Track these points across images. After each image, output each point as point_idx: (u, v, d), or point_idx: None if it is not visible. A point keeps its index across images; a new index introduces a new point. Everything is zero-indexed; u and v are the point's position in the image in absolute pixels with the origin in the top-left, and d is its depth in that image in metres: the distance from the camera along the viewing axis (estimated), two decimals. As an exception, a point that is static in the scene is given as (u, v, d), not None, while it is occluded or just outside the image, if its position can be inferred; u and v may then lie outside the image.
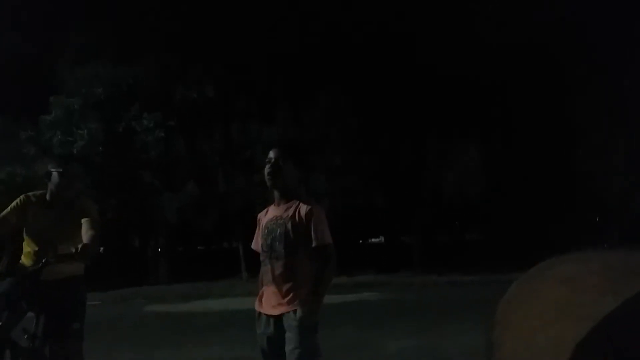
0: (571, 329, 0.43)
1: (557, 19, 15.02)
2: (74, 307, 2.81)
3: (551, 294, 0.49)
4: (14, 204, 2.88)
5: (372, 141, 15.77)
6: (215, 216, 16.72)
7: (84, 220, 2.78)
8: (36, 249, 2.85)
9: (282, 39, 15.68)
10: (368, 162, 15.66)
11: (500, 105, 15.69)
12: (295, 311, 2.17)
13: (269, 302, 2.27)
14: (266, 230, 2.33)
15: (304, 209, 2.26)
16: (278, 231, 2.27)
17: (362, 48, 15.52)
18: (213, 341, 6.19)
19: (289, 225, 2.25)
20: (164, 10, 16.18)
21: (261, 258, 2.34)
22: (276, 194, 2.38)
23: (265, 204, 2.56)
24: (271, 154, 2.37)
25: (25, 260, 2.90)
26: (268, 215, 2.38)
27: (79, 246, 2.53)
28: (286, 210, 2.31)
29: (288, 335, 2.17)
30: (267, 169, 2.36)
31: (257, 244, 2.41)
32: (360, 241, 30.65)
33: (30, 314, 2.67)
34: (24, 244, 2.94)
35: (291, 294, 2.21)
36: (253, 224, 2.51)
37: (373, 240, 34.09)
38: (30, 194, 2.94)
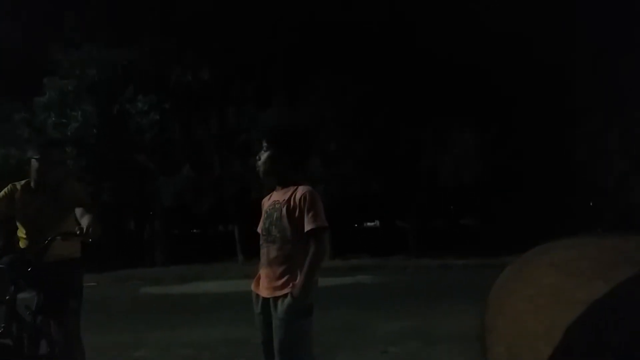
0: (562, 313, 0.44)
1: (554, 5, 14.93)
2: (72, 287, 2.89)
3: (543, 278, 0.50)
4: (2, 193, 2.94)
5: (368, 125, 15.73)
6: (210, 200, 16.73)
7: (77, 209, 2.82)
8: (28, 234, 2.93)
9: (279, 23, 15.49)
10: (364, 146, 15.64)
11: (497, 90, 15.64)
12: (285, 296, 2.19)
13: (264, 284, 2.31)
14: (265, 215, 2.37)
15: (299, 193, 2.28)
16: (274, 215, 2.30)
17: (359, 33, 15.35)
18: (209, 322, 6.26)
19: (284, 210, 2.27)
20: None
21: (260, 242, 2.38)
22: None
23: (260, 188, 2.58)
24: (263, 148, 2.41)
25: (21, 244, 2.98)
26: (269, 200, 2.42)
27: (84, 226, 2.61)
28: (284, 195, 2.33)
29: (275, 322, 2.21)
30: (257, 162, 2.43)
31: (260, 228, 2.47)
32: (356, 225, 30.81)
33: (32, 292, 2.75)
34: (18, 231, 3.01)
35: (284, 278, 2.24)
36: (248, 207, 2.53)
37: (368, 224, 34.28)
38: (16, 182, 2.98)
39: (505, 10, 14.41)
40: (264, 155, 2.38)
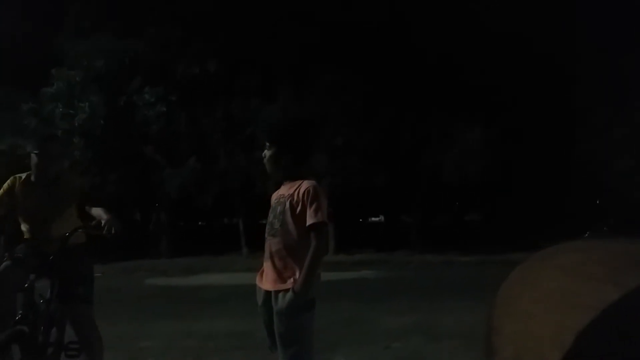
0: (571, 317, 0.43)
1: (558, 1, 14.78)
2: (81, 274, 2.94)
3: (552, 281, 0.49)
4: (5, 185, 2.98)
5: (373, 120, 15.68)
6: (215, 192, 16.78)
7: (87, 208, 2.90)
8: (30, 227, 2.97)
9: (285, 16, 15.42)
10: (369, 141, 15.60)
11: (502, 86, 15.54)
12: (286, 291, 2.20)
13: (267, 277, 2.32)
14: (271, 208, 2.39)
15: (303, 187, 2.29)
16: (278, 209, 2.32)
17: (365, 28, 15.27)
18: (213, 314, 6.30)
19: (288, 204, 2.28)
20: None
21: (265, 235, 2.39)
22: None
23: (265, 182, 2.60)
24: (267, 146, 2.42)
25: (26, 236, 3.02)
26: (277, 194, 2.44)
27: (103, 220, 2.70)
28: (289, 189, 2.34)
29: (275, 316, 2.22)
30: (265, 160, 2.44)
31: None
32: (360, 220, 30.80)
33: (45, 281, 2.80)
34: (21, 224, 3.05)
35: (285, 271, 2.25)
36: (253, 200, 2.55)
37: (373, 219, 34.27)
38: (18, 175, 3.02)
39: (511, 6, 14.28)
40: (267, 154, 2.41)
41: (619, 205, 16.97)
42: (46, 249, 2.82)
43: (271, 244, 2.30)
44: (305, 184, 2.29)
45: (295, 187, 2.32)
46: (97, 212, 2.84)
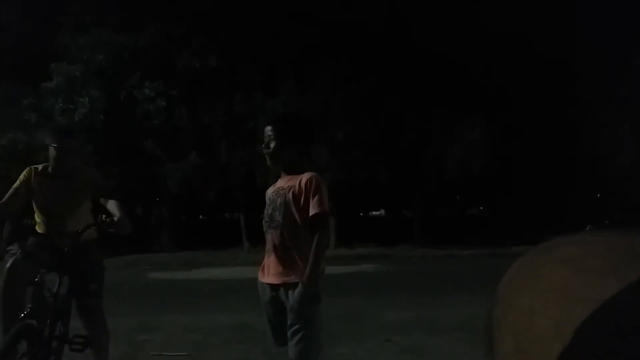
0: (573, 310, 0.43)
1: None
2: (92, 269, 2.97)
3: (553, 274, 0.49)
4: (21, 176, 2.98)
5: (376, 114, 15.66)
6: (217, 187, 16.79)
7: (105, 201, 2.93)
8: (44, 219, 2.99)
9: (287, 12, 15.35)
10: (371, 135, 15.59)
11: (505, 81, 15.49)
12: (294, 283, 2.20)
13: (270, 271, 2.30)
14: (269, 201, 2.36)
15: (305, 178, 2.27)
16: (278, 201, 2.29)
17: (368, 23, 15.21)
18: (215, 308, 6.32)
19: (290, 195, 2.26)
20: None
21: (264, 229, 2.37)
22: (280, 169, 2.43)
23: (267, 176, 2.59)
24: (267, 132, 2.38)
25: (38, 228, 3.03)
26: (273, 187, 2.42)
27: (116, 218, 2.74)
28: (288, 181, 2.33)
29: (288, 308, 2.21)
30: (264, 149, 2.40)
31: None
32: (361, 214, 30.85)
33: (53, 275, 2.82)
34: (35, 215, 3.05)
35: (290, 263, 2.24)
36: (254, 195, 2.54)
37: (374, 213, 34.30)
38: (34, 166, 3.03)
39: (512, 4, 14.22)
40: (271, 143, 2.36)
41: (619, 200, 16.96)
42: (58, 243, 2.83)
43: (273, 236, 2.28)
44: (306, 175, 2.28)
45: (295, 179, 2.30)
46: (112, 207, 2.86)
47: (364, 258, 13.25)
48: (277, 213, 2.28)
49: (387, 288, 8.13)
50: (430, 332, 4.60)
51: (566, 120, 16.09)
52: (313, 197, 2.22)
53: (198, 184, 16.35)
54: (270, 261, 2.31)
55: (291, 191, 2.27)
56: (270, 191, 2.42)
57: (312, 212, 2.21)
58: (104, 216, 2.82)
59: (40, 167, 3.00)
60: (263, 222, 2.39)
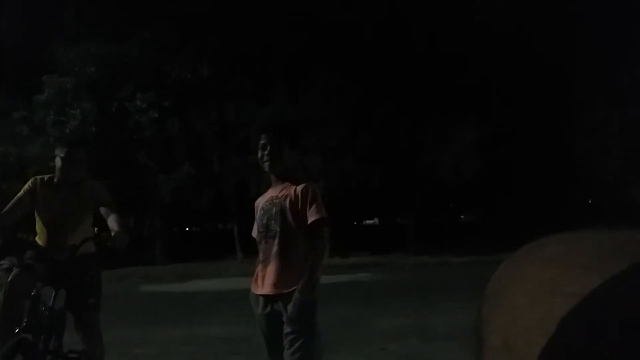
0: (557, 305, 0.44)
1: (554, 1, 14.93)
2: (90, 283, 2.98)
3: (538, 272, 0.50)
4: (26, 186, 2.98)
5: (369, 121, 15.73)
6: (210, 197, 16.73)
7: (102, 209, 2.92)
8: (47, 230, 2.98)
9: (279, 17, 15.45)
10: (364, 143, 15.64)
11: (497, 86, 15.65)
12: (291, 292, 2.17)
13: (265, 281, 2.27)
14: (262, 211, 2.33)
15: (299, 187, 2.27)
16: (274, 210, 2.27)
17: (358, 27, 15.35)
18: (209, 320, 6.27)
19: (286, 204, 2.25)
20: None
21: (257, 239, 2.34)
22: (272, 177, 2.39)
23: (259, 185, 2.59)
24: (264, 138, 2.36)
25: (39, 240, 3.02)
26: (264, 197, 2.39)
27: (114, 233, 2.72)
28: (282, 190, 2.31)
29: (286, 318, 2.18)
30: (260, 154, 2.37)
31: (256, 230, 2.41)
32: (355, 223, 30.85)
33: (48, 289, 2.80)
34: (37, 226, 3.04)
35: (287, 273, 2.21)
36: (248, 205, 2.52)
37: (367, 222, 34.32)
38: (39, 176, 3.04)
39: (504, 6, 14.41)
40: (268, 148, 2.33)
41: (613, 203, 17.10)
42: (56, 256, 2.82)
43: (269, 245, 2.26)
44: (300, 184, 2.28)
45: (289, 188, 2.29)
46: (111, 222, 2.84)
47: (358, 267, 13.23)
48: (273, 222, 2.26)
49: (381, 296, 8.12)
50: (425, 340, 4.60)
51: (559, 125, 16.24)
52: (310, 205, 2.22)
53: (191, 194, 16.29)
54: (265, 272, 2.27)
55: (287, 199, 2.25)
56: (261, 201, 2.39)
57: (311, 219, 2.20)
58: (96, 229, 2.82)
59: (46, 177, 3.00)
60: (257, 232, 2.36)
